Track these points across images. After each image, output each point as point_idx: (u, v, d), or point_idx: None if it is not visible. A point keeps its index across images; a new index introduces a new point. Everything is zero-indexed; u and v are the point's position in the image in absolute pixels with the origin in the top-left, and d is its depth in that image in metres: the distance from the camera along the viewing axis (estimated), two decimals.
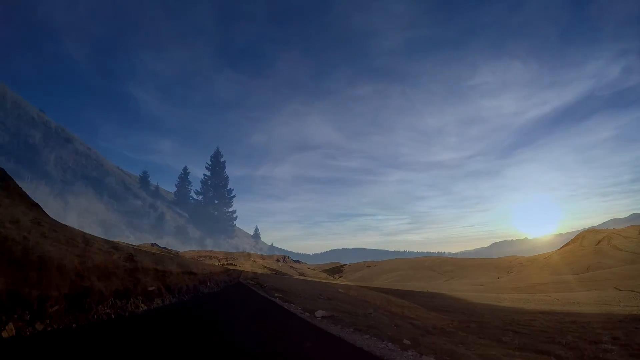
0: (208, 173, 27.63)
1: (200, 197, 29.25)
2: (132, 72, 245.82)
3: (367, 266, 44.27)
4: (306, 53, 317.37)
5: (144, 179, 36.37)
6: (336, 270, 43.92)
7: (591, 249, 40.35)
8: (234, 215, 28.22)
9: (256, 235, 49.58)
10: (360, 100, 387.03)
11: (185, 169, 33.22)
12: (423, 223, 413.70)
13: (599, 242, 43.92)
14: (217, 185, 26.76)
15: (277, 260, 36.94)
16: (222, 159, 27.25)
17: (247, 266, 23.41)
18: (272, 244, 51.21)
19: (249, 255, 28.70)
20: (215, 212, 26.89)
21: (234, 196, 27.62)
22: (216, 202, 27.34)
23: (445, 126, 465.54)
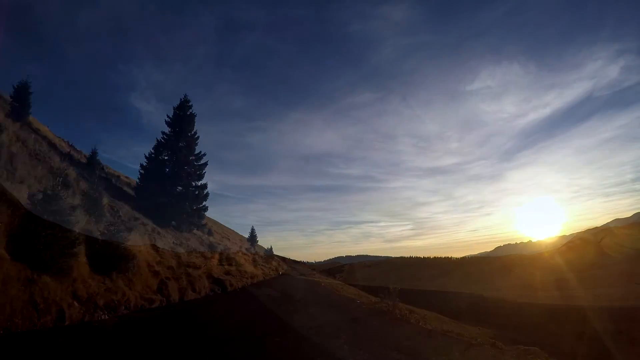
0: (168, 130, 18.72)
1: (153, 166, 19.10)
2: (133, 84, 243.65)
3: (367, 266, 44.63)
4: (306, 62, 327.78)
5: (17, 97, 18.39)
6: (336, 270, 43.91)
7: (593, 247, 42.74)
8: (205, 193, 20.77)
9: (252, 237, 43.76)
10: (361, 107, 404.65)
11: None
12: (426, 229, 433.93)
13: (601, 239, 46.65)
14: (180, 148, 18.43)
15: (276, 260, 34.08)
16: (190, 111, 19.67)
17: (244, 267, 19.32)
18: (270, 248, 46.58)
19: (238, 253, 24.33)
20: (179, 188, 19.69)
21: (205, 164, 19.47)
22: (177, 170, 19.11)
23: (446, 131, 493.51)
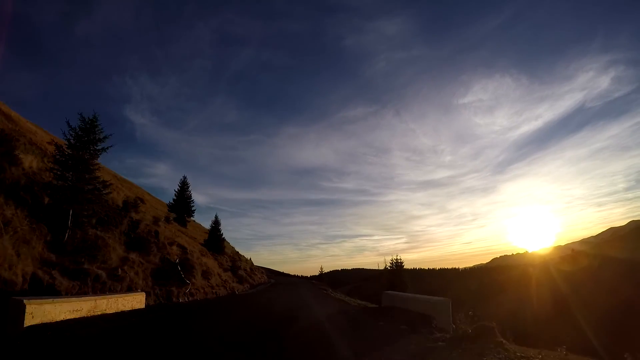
0: None
1: None
2: (127, 96, 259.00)
3: (367, 279, 46.57)
4: (301, 76, 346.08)
5: None
6: (339, 283, 45.63)
7: (587, 257, 44.76)
8: None
9: (214, 229, 25.98)
10: (355, 121, 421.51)
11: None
12: (420, 242, 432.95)
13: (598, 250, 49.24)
14: None
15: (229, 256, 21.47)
16: None
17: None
18: (218, 230, 26.55)
19: None
20: None
21: None
22: None
23: (440, 145, 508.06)
